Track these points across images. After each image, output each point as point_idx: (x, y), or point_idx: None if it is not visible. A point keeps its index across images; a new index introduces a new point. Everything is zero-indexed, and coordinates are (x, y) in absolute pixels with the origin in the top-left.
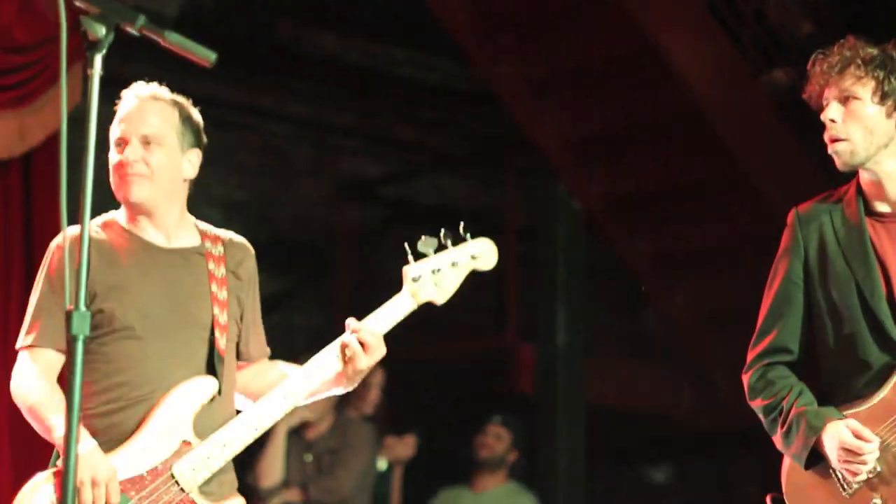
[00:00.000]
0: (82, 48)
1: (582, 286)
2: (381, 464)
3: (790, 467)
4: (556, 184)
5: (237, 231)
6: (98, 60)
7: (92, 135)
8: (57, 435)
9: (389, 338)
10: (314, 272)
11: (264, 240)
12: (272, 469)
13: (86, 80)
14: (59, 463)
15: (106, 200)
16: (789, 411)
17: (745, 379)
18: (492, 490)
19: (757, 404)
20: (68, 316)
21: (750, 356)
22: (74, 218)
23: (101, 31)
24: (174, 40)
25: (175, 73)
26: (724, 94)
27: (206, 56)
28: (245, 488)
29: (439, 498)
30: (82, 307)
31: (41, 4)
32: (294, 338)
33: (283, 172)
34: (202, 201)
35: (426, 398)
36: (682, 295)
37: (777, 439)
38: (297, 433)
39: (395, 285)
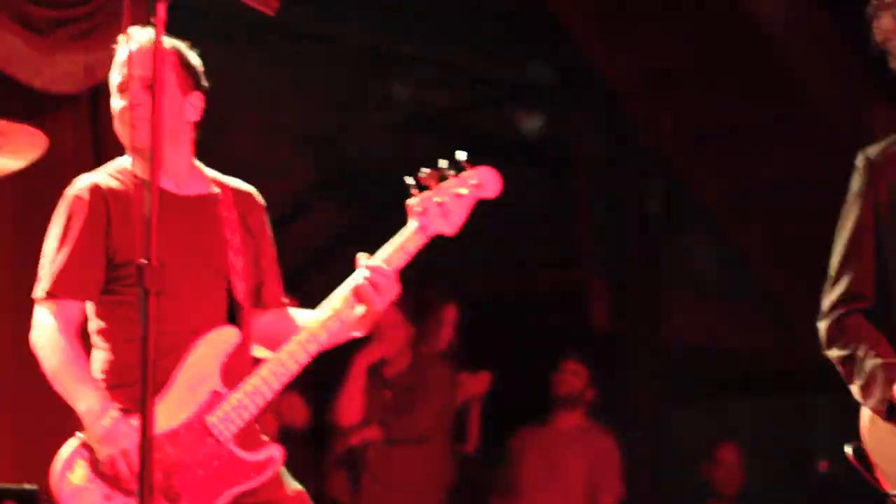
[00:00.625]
0: None
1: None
2: None
3: (870, 419)
4: (626, 119)
5: (308, 164)
6: (161, 8)
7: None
8: (83, 407)
9: (466, 273)
10: (385, 204)
11: (335, 171)
12: (351, 407)
13: (148, 15)
14: (83, 433)
15: None
16: (865, 362)
17: (821, 327)
18: (570, 428)
19: (833, 354)
20: (139, 269)
21: (824, 304)
22: None
23: None
24: None
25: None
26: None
27: (269, 4)
28: (324, 426)
29: (520, 436)
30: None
31: None
32: None
33: (352, 104)
34: (274, 133)
35: (501, 335)
36: (756, 229)
37: (855, 390)
38: (375, 371)
39: None
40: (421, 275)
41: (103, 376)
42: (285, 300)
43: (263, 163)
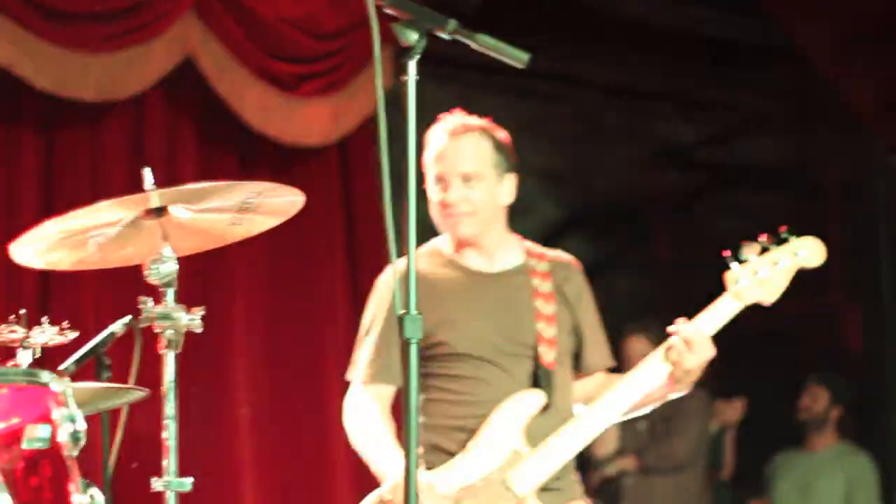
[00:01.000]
0: (389, 33)
1: None
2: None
3: None
4: (872, 139)
5: (555, 200)
6: (412, 66)
7: (412, 140)
8: (377, 468)
9: None
10: (633, 238)
11: (581, 207)
12: (607, 437)
13: (395, 66)
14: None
15: None
16: None
17: None
18: (823, 450)
19: None
20: (401, 319)
21: None
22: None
23: (413, 36)
24: (486, 42)
25: None
26: None
27: (518, 57)
28: (580, 457)
29: (775, 461)
30: (413, 311)
31: None
32: (617, 303)
33: (597, 139)
34: (528, 169)
35: (753, 361)
36: None
37: None
38: None
39: (712, 247)
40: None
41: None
42: (610, 364)
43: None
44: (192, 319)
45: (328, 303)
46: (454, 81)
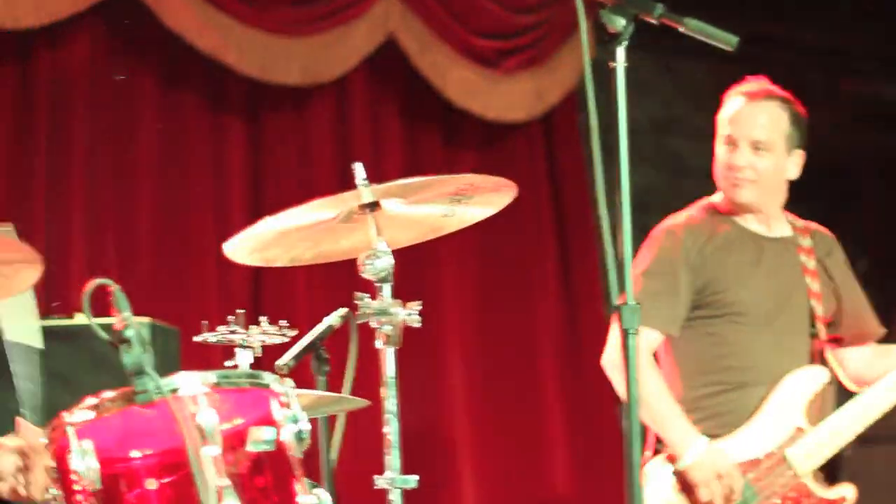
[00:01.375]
0: (592, 7)
1: None
2: None
3: None
4: None
5: None
6: (620, 52)
7: (622, 129)
8: (675, 437)
9: None
10: (838, 201)
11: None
12: None
13: (598, 41)
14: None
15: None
16: None
17: None
18: None
19: None
20: (618, 309)
21: None
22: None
23: (621, 22)
24: (694, 27)
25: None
26: None
27: (727, 41)
28: None
29: None
30: (631, 301)
31: None
32: None
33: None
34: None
35: None
36: None
37: None
38: None
39: None
40: None
41: (681, 406)
42: (881, 332)
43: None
44: (409, 314)
45: (538, 278)
46: (654, 47)
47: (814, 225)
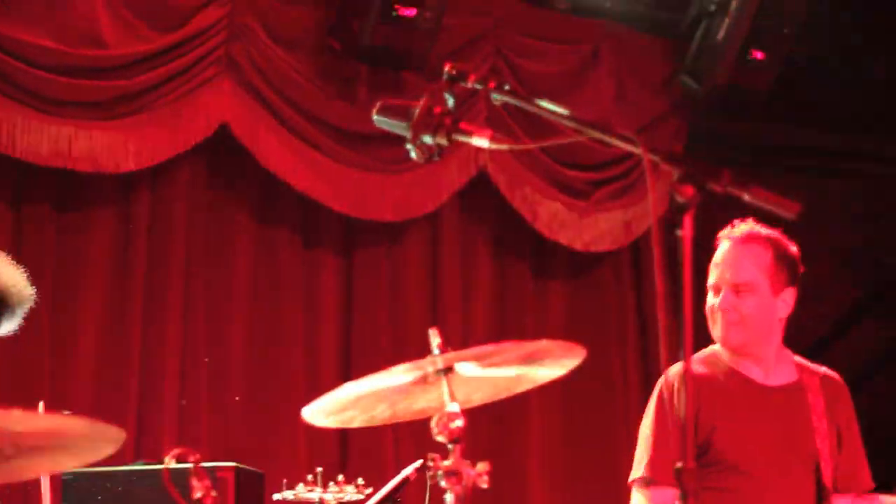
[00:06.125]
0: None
1: None
2: None
3: None
4: None
5: (849, 279)
6: (688, 222)
7: (688, 295)
8: None
9: None
10: None
11: (878, 286)
12: None
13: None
14: None
15: None
16: None
17: None
18: None
19: None
20: (677, 472)
21: None
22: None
23: (689, 192)
24: (758, 196)
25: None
26: None
27: (788, 210)
28: None
29: None
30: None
31: (637, 92)
32: None
33: (891, 216)
34: (819, 249)
35: None
36: None
37: None
38: None
39: None
40: None
41: None
42: (870, 487)
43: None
44: (478, 475)
45: (622, 410)
46: (751, 164)
47: (823, 369)
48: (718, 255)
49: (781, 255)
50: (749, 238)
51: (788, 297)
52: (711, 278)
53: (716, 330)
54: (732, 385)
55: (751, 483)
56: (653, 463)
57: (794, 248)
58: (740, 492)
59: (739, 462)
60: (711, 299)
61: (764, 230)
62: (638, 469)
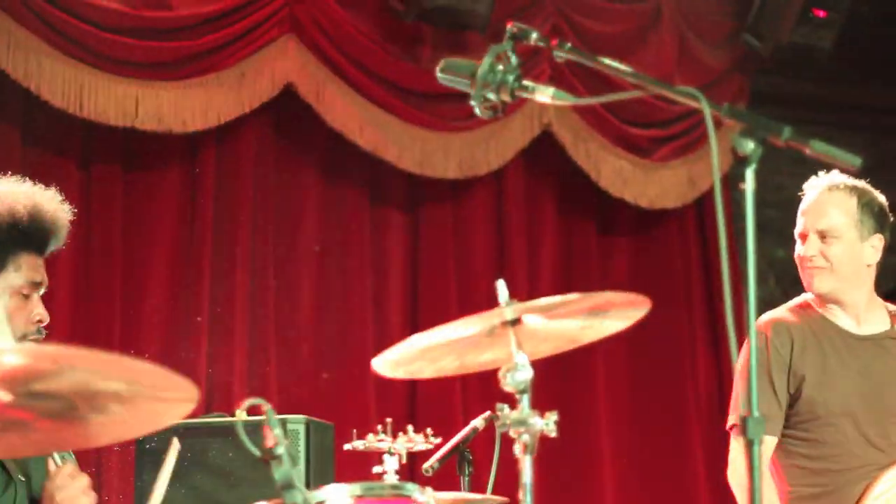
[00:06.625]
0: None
1: None
2: None
3: None
4: None
5: None
6: (749, 175)
7: (751, 249)
8: None
9: None
10: None
11: None
12: None
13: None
14: None
15: None
16: None
17: None
18: None
19: None
20: (744, 420)
21: None
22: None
23: (749, 146)
24: (819, 149)
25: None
26: None
27: (850, 162)
28: None
29: None
30: (755, 413)
31: (700, 51)
32: None
33: None
34: None
35: None
36: None
37: None
38: None
39: None
40: None
41: None
42: None
43: None
44: (546, 424)
45: (690, 366)
46: (813, 122)
47: None
48: (804, 204)
49: (867, 202)
50: (833, 185)
51: (877, 242)
52: (798, 227)
53: (805, 278)
54: (823, 334)
55: (840, 433)
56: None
57: (880, 197)
58: (830, 442)
59: (828, 412)
60: (799, 247)
61: (849, 179)
62: (734, 415)
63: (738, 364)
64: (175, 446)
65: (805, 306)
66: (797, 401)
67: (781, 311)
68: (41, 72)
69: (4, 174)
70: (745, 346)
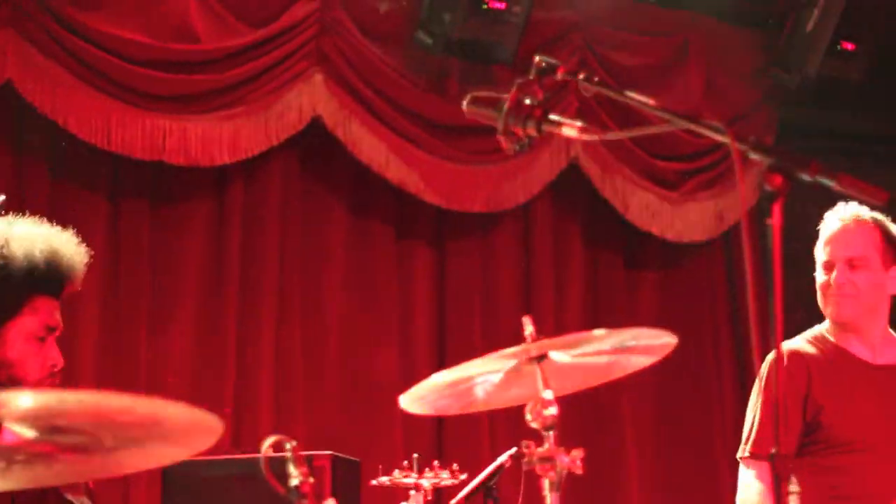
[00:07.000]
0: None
1: None
2: None
3: None
4: None
5: None
6: (777, 210)
7: (778, 281)
8: None
9: None
10: None
11: None
12: None
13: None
14: None
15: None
16: None
17: None
18: None
19: None
20: (771, 458)
21: None
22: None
23: (776, 179)
24: (847, 183)
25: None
26: None
27: (877, 198)
28: None
29: None
30: (778, 449)
31: (727, 84)
32: None
33: None
34: None
35: None
36: None
37: None
38: None
39: None
40: None
41: None
42: None
43: None
44: (572, 461)
45: (717, 398)
46: (841, 154)
47: None
48: (828, 234)
49: (888, 234)
50: (858, 217)
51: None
52: (823, 256)
53: (829, 306)
54: (840, 364)
55: (859, 461)
56: (758, 441)
57: None
58: (848, 470)
59: (847, 440)
60: (823, 276)
61: (869, 212)
62: (745, 446)
63: (753, 395)
64: None
65: (820, 337)
66: (816, 429)
67: (798, 342)
68: (69, 105)
69: (32, 208)
70: (758, 377)
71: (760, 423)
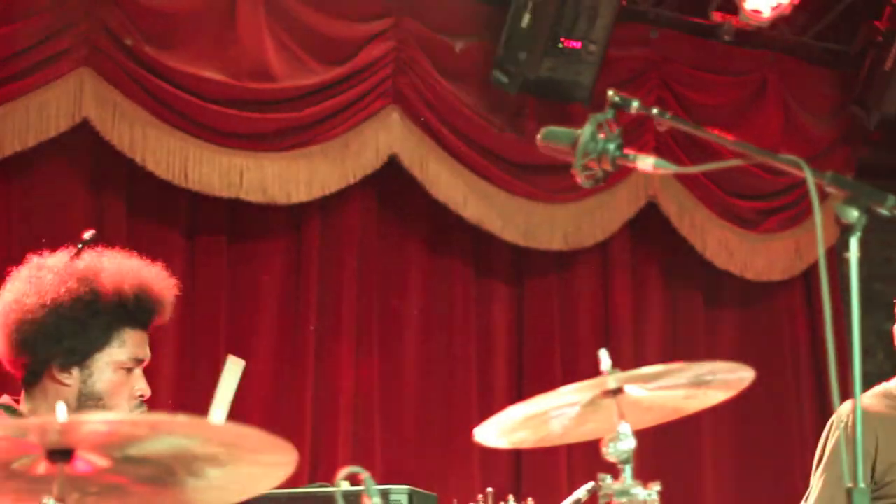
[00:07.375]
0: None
1: None
2: None
3: None
4: None
5: None
6: (853, 243)
7: (855, 319)
8: None
9: None
10: None
11: None
12: None
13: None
14: None
15: None
16: None
17: None
18: None
19: None
20: (849, 493)
21: None
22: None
23: (854, 214)
24: None
25: None
26: None
27: None
28: None
29: None
30: (860, 484)
31: (805, 122)
32: None
33: None
34: None
35: None
36: None
37: None
38: None
39: None
40: None
41: None
42: None
43: None
44: (649, 495)
45: (798, 438)
46: None
47: None
48: None
49: None
50: None
51: None
52: None
53: None
54: None
55: None
56: (820, 498)
57: None
58: None
59: None
60: None
61: None
62: (809, 499)
63: (818, 453)
64: (234, 363)
65: (887, 393)
66: (883, 487)
67: (866, 400)
68: (146, 143)
69: (112, 246)
70: (824, 433)
71: (825, 481)
